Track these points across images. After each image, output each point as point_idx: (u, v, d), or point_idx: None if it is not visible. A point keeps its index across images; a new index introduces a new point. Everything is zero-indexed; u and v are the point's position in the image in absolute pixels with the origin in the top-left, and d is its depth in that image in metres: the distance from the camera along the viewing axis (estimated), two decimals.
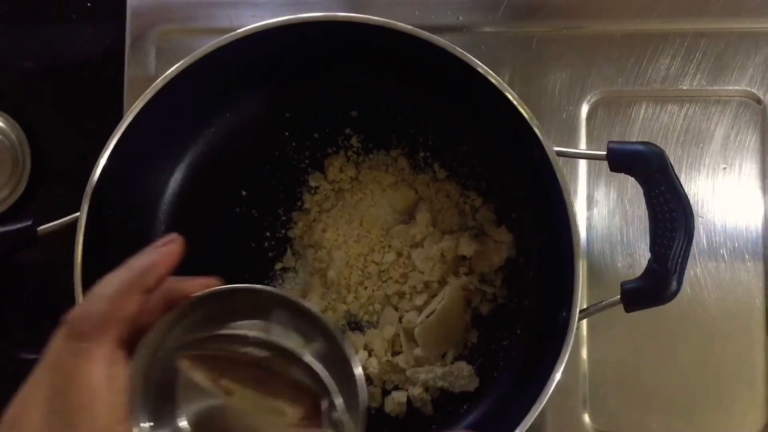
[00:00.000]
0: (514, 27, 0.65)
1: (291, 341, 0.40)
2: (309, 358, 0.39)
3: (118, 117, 0.64)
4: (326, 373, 0.39)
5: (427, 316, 0.60)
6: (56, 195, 0.69)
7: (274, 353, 0.40)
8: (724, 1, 0.64)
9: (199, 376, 0.40)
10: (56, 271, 0.58)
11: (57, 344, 0.36)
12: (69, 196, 0.56)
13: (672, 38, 0.64)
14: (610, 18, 0.65)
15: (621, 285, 0.51)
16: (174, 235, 0.39)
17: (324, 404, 0.39)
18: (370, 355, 0.60)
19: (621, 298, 0.50)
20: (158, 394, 0.40)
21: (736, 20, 0.64)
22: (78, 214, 0.53)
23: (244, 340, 0.40)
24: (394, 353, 0.61)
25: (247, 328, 0.41)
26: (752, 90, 0.64)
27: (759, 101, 0.64)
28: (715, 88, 0.64)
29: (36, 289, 0.67)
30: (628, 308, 0.50)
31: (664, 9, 0.65)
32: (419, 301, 0.60)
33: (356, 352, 0.60)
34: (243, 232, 0.63)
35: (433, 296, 0.60)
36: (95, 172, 0.54)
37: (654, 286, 0.49)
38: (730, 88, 0.64)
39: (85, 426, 0.34)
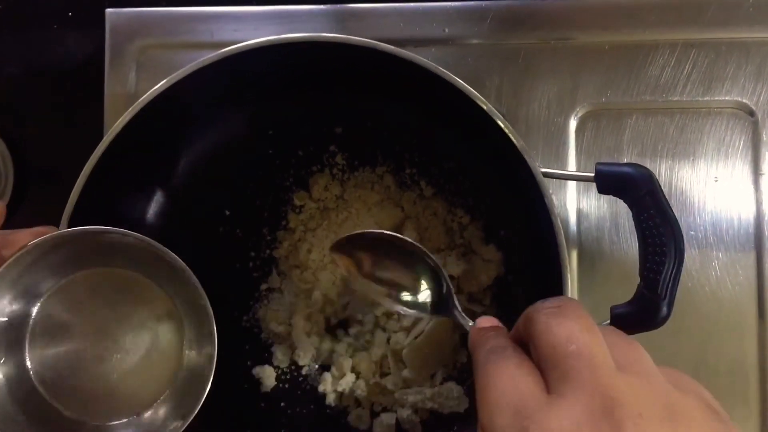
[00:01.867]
0: (501, 39, 0.64)
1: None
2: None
3: (102, 126, 0.63)
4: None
5: (416, 337, 0.59)
6: (41, 206, 0.67)
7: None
8: (714, 10, 0.63)
9: None
10: None
11: None
12: (54, 207, 0.54)
13: (662, 49, 0.63)
14: (598, 29, 0.63)
15: (611, 309, 0.50)
16: None
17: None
18: (358, 377, 0.60)
19: (610, 323, 0.49)
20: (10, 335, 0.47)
21: (726, 30, 0.63)
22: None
23: None
24: (383, 375, 0.60)
25: None
26: (744, 101, 0.63)
27: (751, 113, 0.62)
28: (706, 99, 0.63)
29: None
30: None
31: (653, 19, 0.63)
32: (407, 322, 0.59)
33: (344, 375, 0.59)
34: (227, 252, 0.61)
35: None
36: (73, 196, 0.52)
37: (644, 312, 0.48)
38: (721, 99, 0.63)
39: None
